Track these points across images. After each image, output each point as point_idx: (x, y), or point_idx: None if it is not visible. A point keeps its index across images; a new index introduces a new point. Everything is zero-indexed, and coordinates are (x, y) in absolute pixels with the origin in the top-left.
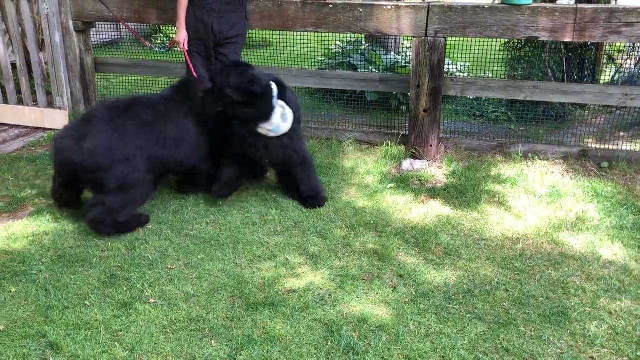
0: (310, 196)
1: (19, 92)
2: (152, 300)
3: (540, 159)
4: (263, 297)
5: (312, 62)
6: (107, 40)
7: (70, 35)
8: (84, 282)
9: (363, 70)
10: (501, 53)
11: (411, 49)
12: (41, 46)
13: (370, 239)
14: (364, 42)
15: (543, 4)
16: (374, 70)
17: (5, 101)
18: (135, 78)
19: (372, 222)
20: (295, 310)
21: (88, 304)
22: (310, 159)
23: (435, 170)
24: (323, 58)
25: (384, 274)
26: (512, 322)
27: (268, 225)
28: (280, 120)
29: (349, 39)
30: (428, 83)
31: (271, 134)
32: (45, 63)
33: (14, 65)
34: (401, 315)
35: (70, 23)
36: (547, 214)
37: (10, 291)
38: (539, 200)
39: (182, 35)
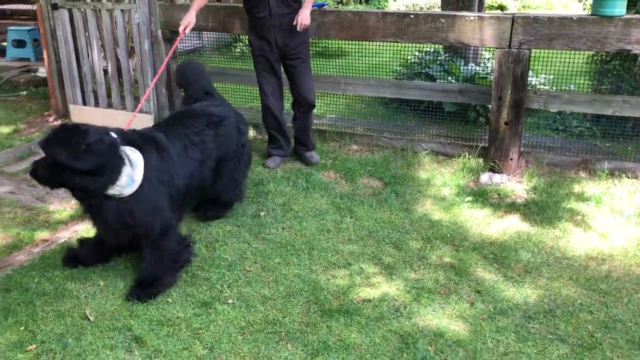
0: (143, 281)
1: (109, 96)
2: (230, 301)
3: (628, 177)
4: (338, 304)
5: (388, 72)
6: (190, 48)
7: (159, 44)
8: None
9: (441, 80)
10: (586, 66)
11: (492, 59)
12: (130, 53)
13: (446, 252)
14: (442, 53)
15: (637, 15)
16: (452, 80)
17: (97, 104)
18: (216, 85)
19: (448, 235)
20: (370, 320)
21: (170, 301)
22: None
23: (515, 184)
24: (400, 68)
25: (461, 289)
26: (597, 346)
27: (342, 233)
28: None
29: (427, 49)
30: (510, 95)
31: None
32: (134, 70)
33: (105, 71)
34: (479, 331)
35: (159, 32)
36: (635, 235)
37: (99, 284)
38: (627, 220)
39: (186, 20)
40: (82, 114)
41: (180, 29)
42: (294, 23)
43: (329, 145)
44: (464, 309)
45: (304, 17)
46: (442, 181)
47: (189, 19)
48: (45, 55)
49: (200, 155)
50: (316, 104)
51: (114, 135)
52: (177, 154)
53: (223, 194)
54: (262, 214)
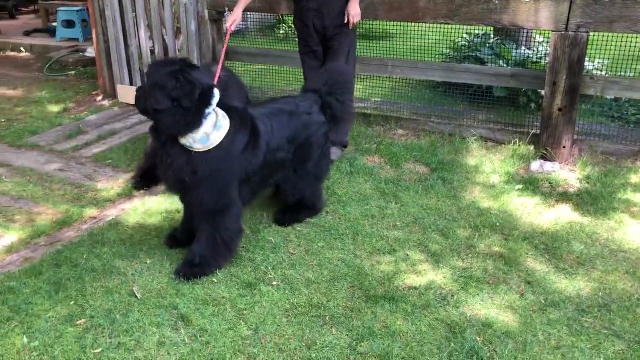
0: (191, 261)
1: None
2: (275, 283)
3: None
4: (383, 290)
5: (435, 55)
6: (235, 29)
7: (205, 24)
8: None
9: (491, 64)
10: None
11: (544, 43)
12: (177, 34)
13: (496, 242)
14: (492, 36)
15: None
16: (503, 65)
17: None
18: (260, 67)
19: (498, 224)
20: (417, 308)
21: (215, 281)
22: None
23: (568, 173)
24: (448, 51)
25: (510, 279)
26: None
27: (387, 219)
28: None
29: (476, 31)
30: (565, 80)
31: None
32: (179, 50)
33: (152, 52)
34: (529, 323)
35: (206, 12)
36: None
37: (146, 263)
38: None
39: (232, 17)
40: (129, 94)
41: (227, 25)
42: (345, 22)
43: (374, 129)
44: (514, 299)
45: (355, 14)
46: (492, 168)
47: (236, 16)
48: (94, 35)
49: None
50: (359, 88)
51: (216, 91)
52: (266, 134)
53: (305, 197)
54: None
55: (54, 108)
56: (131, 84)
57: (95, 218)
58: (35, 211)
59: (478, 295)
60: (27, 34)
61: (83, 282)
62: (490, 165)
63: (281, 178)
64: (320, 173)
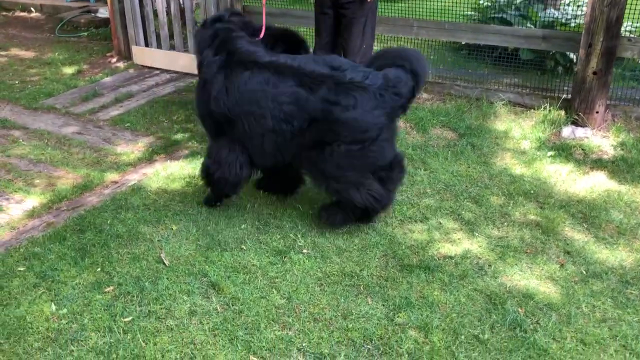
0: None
1: (171, 38)
2: (305, 251)
3: None
4: (417, 260)
5: (457, 17)
6: None
7: None
8: (239, 227)
9: (521, 26)
10: None
11: (572, 4)
12: None
13: (531, 210)
14: None
15: None
16: (530, 26)
17: (159, 47)
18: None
19: (532, 191)
20: (453, 278)
21: (244, 248)
22: None
23: (601, 140)
24: (471, 12)
25: (549, 249)
26: None
27: (417, 186)
28: None
29: None
30: (602, 42)
31: None
32: (195, 10)
33: (168, 12)
34: (571, 295)
35: None
36: None
37: (172, 229)
38: None
39: None
40: (144, 56)
41: None
42: None
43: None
44: (554, 270)
45: None
46: (521, 134)
47: None
48: None
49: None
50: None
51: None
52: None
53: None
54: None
55: (68, 70)
56: (146, 45)
57: (116, 182)
58: (55, 175)
59: (516, 265)
60: None
61: (108, 249)
62: (519, 130)
63: None
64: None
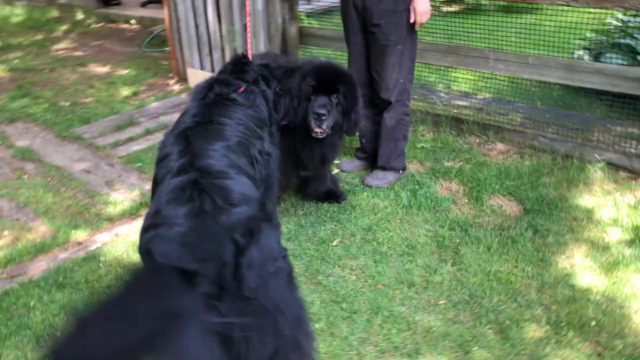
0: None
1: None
2: None
3: None
4: None
5: (573, 39)
6: (325, 6)
7: (274, 2)
8: None
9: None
10: None
11: None
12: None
13: (580, 357)
14: None
15: None
16: None
17: (213, 70)
18: (340, 54)
19: (594, 322)
20: None
21: None
22: None
23: None
24: (591, 35)
25: None
26: None
27: (430, 291)
28: None
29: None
30: None
31: None
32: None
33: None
34: None
35: None
36: None
37: None
38: None
39: None
40: (199, 80)
41: None
42: (412, 21)
43: (465, 140)
44: None
45: (423, 12)
46: (613, 217)
47: None
48: (165, 13)
49: None
50: (454, 82)
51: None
52: None
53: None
54: (335, 242)
55: (125, 91)
56: (201, 67)
57: (80, 244)
58: (28, 226)
59: None
60: (143, 5)
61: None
62: (612, 210)
63: None
64: None
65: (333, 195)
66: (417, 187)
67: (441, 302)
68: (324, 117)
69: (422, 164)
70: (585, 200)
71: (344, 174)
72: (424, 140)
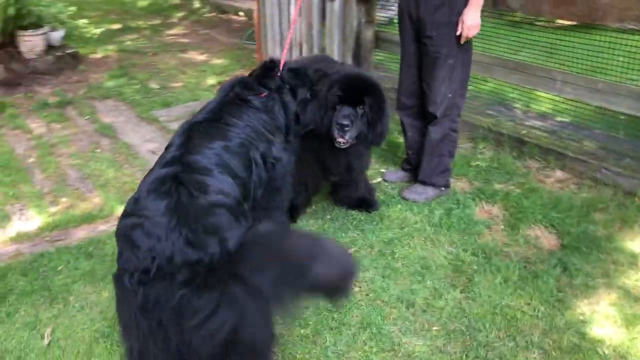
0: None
1: None
2: None
3: None
4: None
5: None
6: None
7: (350, 3)
8: None
9: None
10: None
11: None
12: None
13: None
14: None
15: None
16: None
17: None
18: None
19: None
20: None
21: None
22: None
23: None
24: None
25: None
26: None
27: (427, 315)
28: None
29: None
30: None
31: None
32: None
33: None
34: None
35: None
36: None
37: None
38: None
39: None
40: None
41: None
42: (458, 32)
43: (524, 163)
44: None
45: (472, 25)
46: None
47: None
48: (255, 8)
49: None
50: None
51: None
52: None
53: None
54: (350, 251)
55: (211, 80)
56: None
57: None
58: (84, 196)
59: None
60: None
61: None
62: None
63: None
64: None
65: (365, 204)
66: (454, 206)
67: (435, 328)
68: (346, 129)
69: (470, 183)
70: (635, 244)
71: (386, 184)
72: (481, 159)
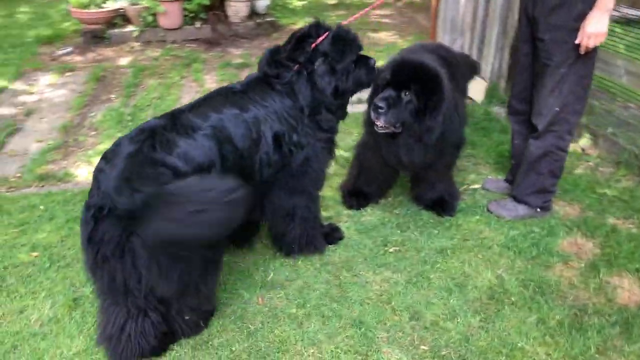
0: None
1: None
2: None
3: None
4: None
5: None
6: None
7: None
8: None
9: None
10: None
11: None
12: None
13: None
14: None
15: None
16: None
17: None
18: None
19: None
20: None
21: None
22: None
23: None
24: None
25: None
26: None
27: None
28: None
29: None
30: None
31: None
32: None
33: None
34: None
35: None
36: None
37: None
38: None
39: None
40: None
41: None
42: (577, 40)
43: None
44: None
45: (593, 33)
46: None
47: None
48: None
49: None
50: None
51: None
52: None
53: None
54: (392, 249)
55: (380, 63)
56: None
57: None
58: None
59: None
60: None
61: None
62: None
63: None
64: None
65: (440, 207)
66: (540, 230)
67: (424, 347)
68: (381, 111)
69: (582, 211)
70: None
71: (482, 192)
72: (612, 187)
